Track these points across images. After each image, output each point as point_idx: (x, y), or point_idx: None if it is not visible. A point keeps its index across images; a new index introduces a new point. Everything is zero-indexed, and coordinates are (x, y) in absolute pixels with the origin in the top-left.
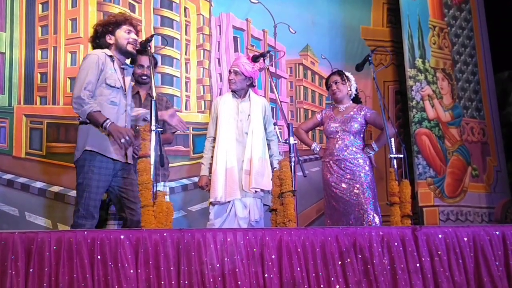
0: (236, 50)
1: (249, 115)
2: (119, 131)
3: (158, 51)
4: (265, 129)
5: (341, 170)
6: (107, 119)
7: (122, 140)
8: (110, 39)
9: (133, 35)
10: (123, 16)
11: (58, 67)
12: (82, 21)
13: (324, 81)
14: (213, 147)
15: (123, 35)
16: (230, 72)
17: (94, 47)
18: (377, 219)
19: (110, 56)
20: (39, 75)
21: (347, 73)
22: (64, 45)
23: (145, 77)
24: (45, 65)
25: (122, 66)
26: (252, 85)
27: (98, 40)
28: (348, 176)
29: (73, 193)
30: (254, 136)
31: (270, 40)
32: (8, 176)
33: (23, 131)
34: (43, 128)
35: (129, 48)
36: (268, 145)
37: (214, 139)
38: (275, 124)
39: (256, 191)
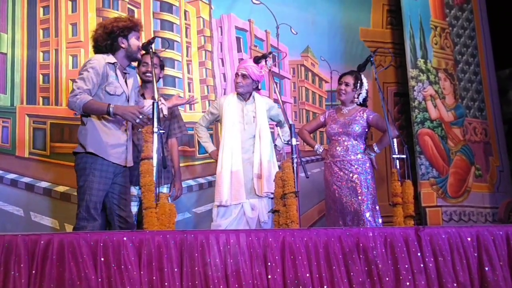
0: (239, 50)
1: (254, 116)
2: (130, 112)
3: (159, 53)
4: (277, 121)
5: (341, 172)
6: (109, 104)
7: (137, 120)
8: (123, 43)
9: (139, 42)
10: (137, 21)
11: (60, 69)
12: (82, 26)
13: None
14: (206, 130)
15: (134, 41)
16: (237, 75)
17: (98, 47)
18: (372, 221)
19: (113, 64)
20: (41, 76)
21: (364, 78)
22: (66, 48)
23: (150, 75)
24: (47, 67)
25: (124, 71)
26: (257, 88)
27: (109, 41)
28: (347, 178)
29: None
30: (262, 140)
31: (273, 41)
32: (12, 176)
33: (26, 131)
34: (46, 128)
35: (139, 55)
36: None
37: (207, 129)
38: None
39: (267, 195)
